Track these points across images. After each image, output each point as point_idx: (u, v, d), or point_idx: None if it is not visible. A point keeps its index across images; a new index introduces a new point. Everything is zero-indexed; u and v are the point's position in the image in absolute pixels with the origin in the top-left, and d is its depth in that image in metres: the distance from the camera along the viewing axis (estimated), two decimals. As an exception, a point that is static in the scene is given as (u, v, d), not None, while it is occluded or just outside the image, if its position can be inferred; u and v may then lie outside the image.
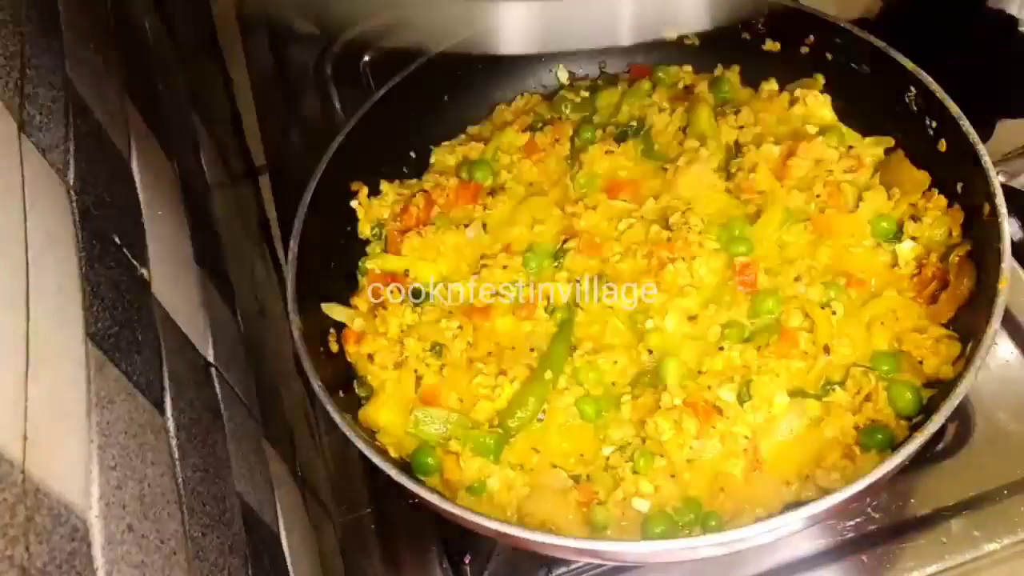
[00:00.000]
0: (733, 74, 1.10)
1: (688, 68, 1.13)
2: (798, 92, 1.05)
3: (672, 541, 0.70)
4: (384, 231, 1.05)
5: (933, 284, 0.86)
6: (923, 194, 0.92)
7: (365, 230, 1.05)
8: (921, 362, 0.82)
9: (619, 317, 0.93)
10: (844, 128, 1.01)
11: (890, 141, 0.98)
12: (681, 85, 1.11)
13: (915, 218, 0.90)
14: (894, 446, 0.76)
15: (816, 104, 1.03)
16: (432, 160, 1.13)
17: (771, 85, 1.08)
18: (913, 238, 0.90)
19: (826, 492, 0.70)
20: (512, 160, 1.09)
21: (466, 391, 0.90)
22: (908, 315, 0.86)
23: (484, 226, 1.04)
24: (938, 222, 0.89)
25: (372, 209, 1.05)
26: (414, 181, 1.11)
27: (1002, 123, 1.14)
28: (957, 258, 0.85)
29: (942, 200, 0.90)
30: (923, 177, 0.91)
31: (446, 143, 1.14)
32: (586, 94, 1.15)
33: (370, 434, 0.86)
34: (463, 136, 1.16)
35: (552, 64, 1.18)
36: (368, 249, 1.04)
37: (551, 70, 1.18)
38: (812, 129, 1.01)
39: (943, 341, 0.82)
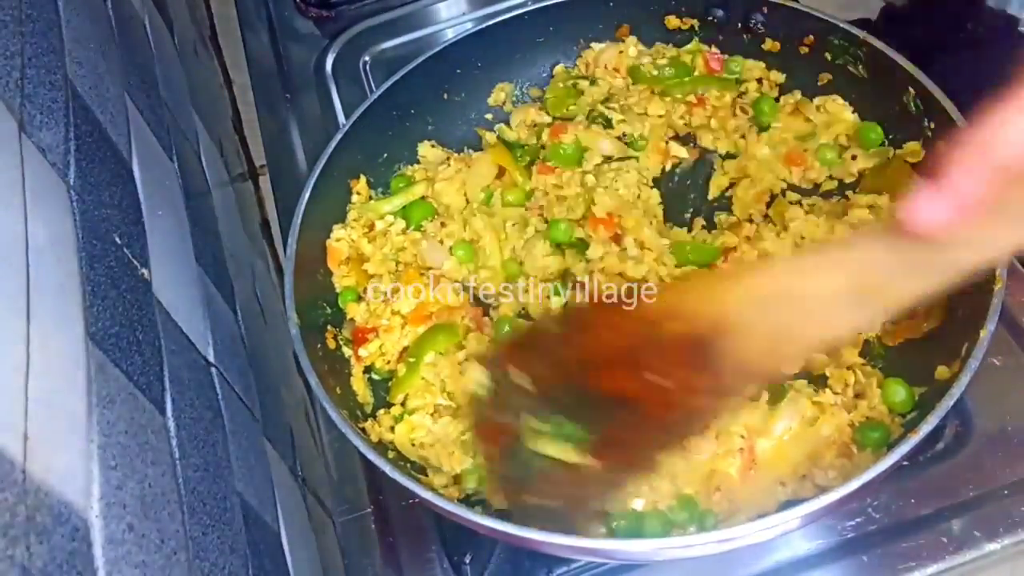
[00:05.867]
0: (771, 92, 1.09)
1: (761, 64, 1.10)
2: (817, 100, 1.04)
3: (672, 539, 0.70)
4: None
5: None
6: None
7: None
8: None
9: None
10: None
11: (889, 151, 0.98)
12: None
13: None
14: (890, 443, 0.76)
15: (837, 108, 1.02)
16: (420, 152, 1.11)
17: (794, 98, 1.06)
18: None
19: (823, 491, 0.70)
20: None
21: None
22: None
23: None
24: None
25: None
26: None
27: (1002, 123, 1.14)
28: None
29: None
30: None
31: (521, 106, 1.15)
32: (663, 61, 1.12)
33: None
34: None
35: (551, 60, 1.18)
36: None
37: (550, 66, 1.18)
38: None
39: None
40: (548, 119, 1.11)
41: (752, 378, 0.59)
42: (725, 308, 0.57)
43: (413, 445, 0.87)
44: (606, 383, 0.58)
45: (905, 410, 0.80)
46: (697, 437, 0.77)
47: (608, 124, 1.08)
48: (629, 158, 1.06)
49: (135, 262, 0.70)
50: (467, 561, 0.87)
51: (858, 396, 0.83)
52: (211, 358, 0.83)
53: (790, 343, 0.56)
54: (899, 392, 0.80)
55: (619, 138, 1.08)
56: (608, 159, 1.06)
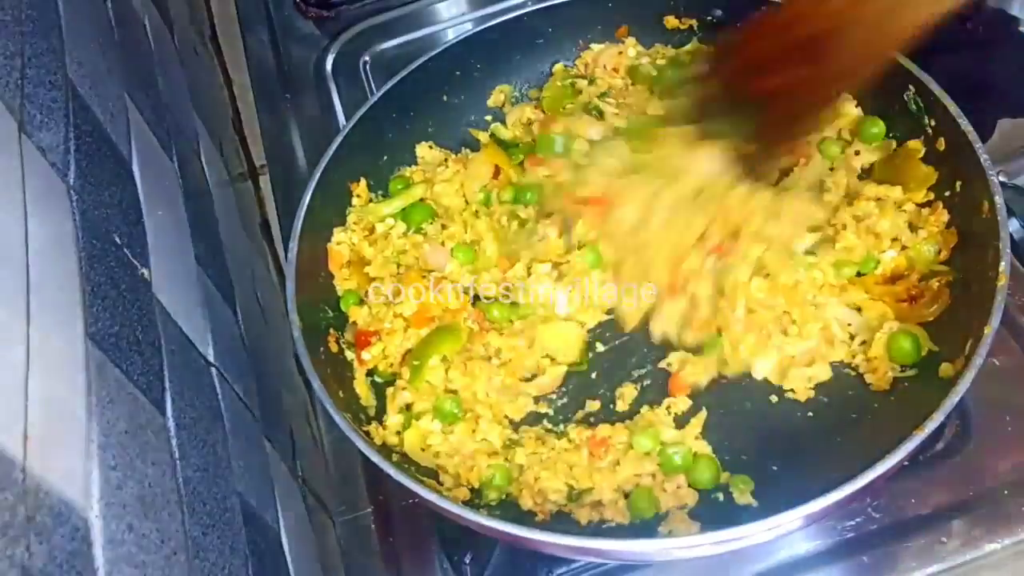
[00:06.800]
0: None
1: None
2: None
3: (673, 539, 0.70)
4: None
5: (902, 295, 0.88)
6: (930, 204, 0.91)
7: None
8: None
9: None
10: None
11: (892, 145, 0.97)
12: None
13: (912, 227, 0.90)
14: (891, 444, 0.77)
15: (840, 103, 1.01)
16: (419, 154, 1.11)
17: None
18: (903, 247, 0.90)
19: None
20: None
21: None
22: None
23: None
24: (931, 238, 0.88)
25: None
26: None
27: (1002, 123, 1.14)
28: (937, 284, 0.85)
29: (943, 216, 0.89)
30: (929, 173, 0.91)
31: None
32: (663, 62, 1.11)
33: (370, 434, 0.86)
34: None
35: (550, 61, 1.17)
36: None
37: (550, 67, 1.18)
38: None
39: None
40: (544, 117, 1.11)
41: (861, 65, 0.77)
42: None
43: (423, 451, 0.86)
44: (761, 84, 0.80)
45: (910, 362, 0.83)
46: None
47: (601, 117, 1.08)
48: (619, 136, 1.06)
49: (135, 262, 0.70)
50: (467, 561, 0.87)
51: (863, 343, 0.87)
52: (211, 358, 0.82)
53: (882, 30, 0.74)
54: (905, 344, 0.83)
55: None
56: None
